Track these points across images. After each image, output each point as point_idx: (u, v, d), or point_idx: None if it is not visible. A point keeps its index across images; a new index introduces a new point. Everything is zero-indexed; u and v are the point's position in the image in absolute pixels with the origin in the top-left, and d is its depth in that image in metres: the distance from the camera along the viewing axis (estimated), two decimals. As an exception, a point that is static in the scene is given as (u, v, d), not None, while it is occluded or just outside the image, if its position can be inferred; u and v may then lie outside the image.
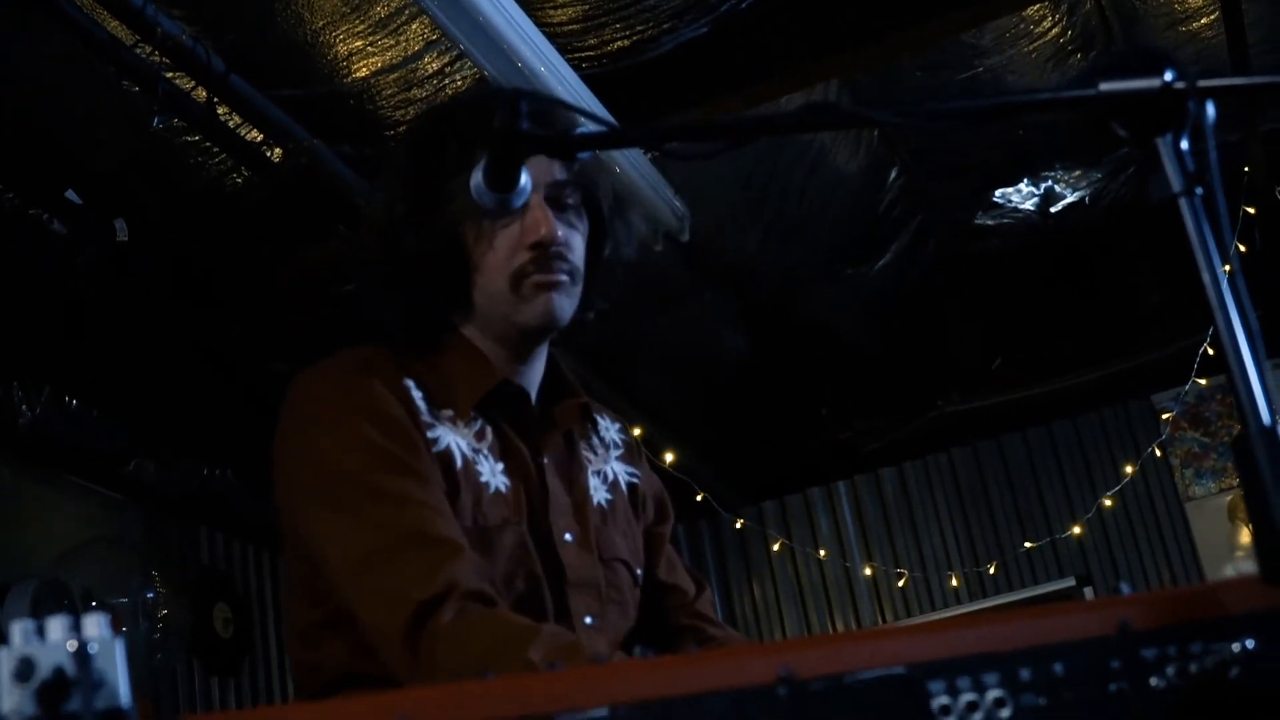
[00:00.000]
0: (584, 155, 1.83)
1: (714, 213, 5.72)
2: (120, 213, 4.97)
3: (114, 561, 5.71)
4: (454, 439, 2.14)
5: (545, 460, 2.23)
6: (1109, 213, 6.47)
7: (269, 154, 4.88)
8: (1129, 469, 7.41)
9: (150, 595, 5.66)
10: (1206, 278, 1.36)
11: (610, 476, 2.35)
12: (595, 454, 2.36)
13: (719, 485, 7.84)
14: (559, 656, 1.78)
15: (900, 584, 7.82)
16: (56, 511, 5.86)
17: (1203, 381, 7.04)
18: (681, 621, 2.37)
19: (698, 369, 7.19)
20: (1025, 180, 6.31)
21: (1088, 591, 7.24)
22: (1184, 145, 1.40)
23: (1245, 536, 7.34)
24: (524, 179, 1.84)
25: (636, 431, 6.53)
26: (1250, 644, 1.28)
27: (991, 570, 7.66)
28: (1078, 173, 6.29)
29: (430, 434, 2.12)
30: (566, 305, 2.20)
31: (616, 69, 4.79)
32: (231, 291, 5.60)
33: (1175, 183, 1.38)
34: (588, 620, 2.17)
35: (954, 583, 7.73)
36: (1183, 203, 1.38)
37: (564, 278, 2.18)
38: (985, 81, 5.33)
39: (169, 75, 4.31)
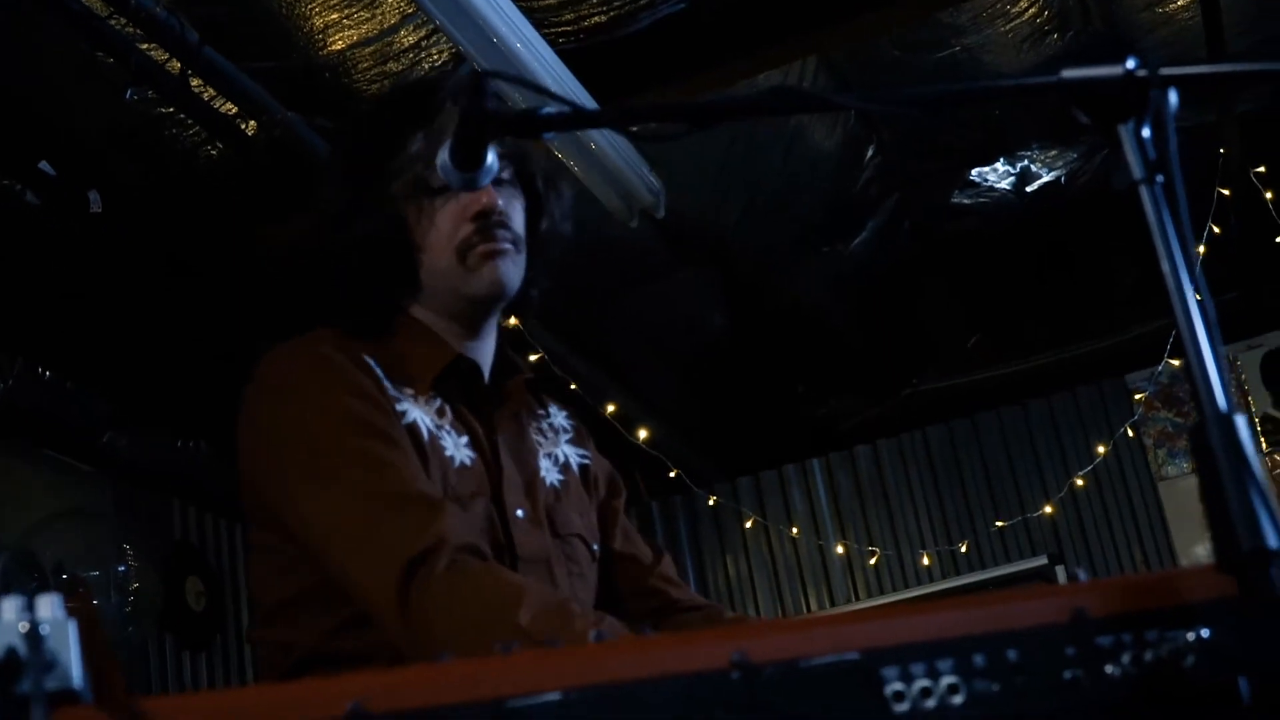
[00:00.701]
0: (549, 135, 1.83)
1: (691, 190, 5.72)
2: (94, 184, 4.95)
3: (86, 534, 5.70)
4: (419, 413, 2.17)
5: (499, 439, 2.27)
6: (1085, 192, 6.48)
7: (244, 126, 4.86)
8: (1101, 449, 7.42)
9: (122, 569, 5.64)
10: (1166, 266, 1.36)
11: (561, 459, 2.39)
12: (545, 438, 2.40)
13: (695, 461, 7.84)
14: (547, 618, 1.84)
15: (871, 562, 7.83)
16: (28, 484, 5.83)
17: (1175, 362, 7.06)
18: (643, 587, 2.41)
19: (675, 346, 7.20)
20: (1001, 160, 6.32)
21: (1059, 570, 7.25)
22: (1146, 133, 1.39)
23: (1219, 517, 7.36)
24: (490, 157, 1.84)
25: (610, 408, 6.60)
26: (1205, 633, 1.28)
27: (964, 549, 7.67)
28: (1054, 153, 6.30)
29: (398, 406, 2.15)
30: (513, 272, 2.27)
31: (593, 45, 4.79)
32: (206, 263, 5.58)
33: (1136, 170, 1.38)
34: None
35: (925, 561, 7.74)
36: (1143, 190, 1.38)
37: (508, 245, 2.25)
38: (962, 61, 5.33)
39: (143, 47, 4.28)
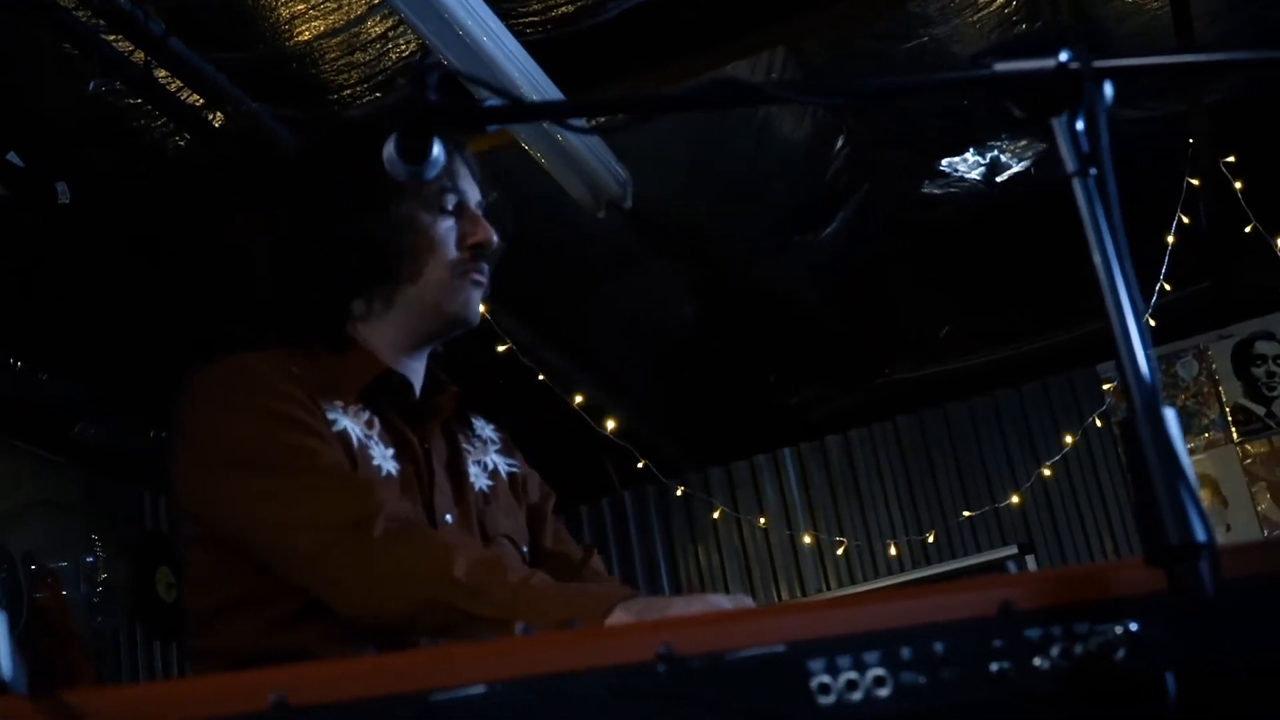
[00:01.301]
0: (492, 127, 1.83)
1: (660, 181, 5.71)
2: (63, 175, 4.93)
3: (54, 525, 5.70)
4: (348, 423, 2.22)
5: (430, 448, 2.34)
6: (1055, 183, 6.45)
7: (211, 118, 4.85)
8: (1068, 439, 7.44)
9: (90, 559, 5.64)
10: (1097, 258, 1.35)
11: (490, 466, 2.46)
12: (474, 447, 2.46)
13: (667, 452, 7.85)
14: (480, 569, 1.93)
15: (839, 552, 7.84)
16: (2, 475, 5.82)
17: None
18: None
19: (647, 336, 7.19)
20: (971, 150, 6.30)
21: (1030, 560, 7.28)
22: (1080, 126, 1.40)
23: (1188, 506, 7.37)
24: (436, 150, 1.83)
25: (579, 399, 6.60)
26: (1134, 627, 1.29)
27: (932, 538, 7.69)
28: (1023, 142, 6.28)
29: (328, 415, 2.20)
30: (480, 304, 2.38)
31: (560, 36, 4.76)
32: (176, 254, 5.56)
33: (1070, 163, 1.38)
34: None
35: (892, 551, 7.75)
36: (1076, 183, 1.38)
37: (486, 278, 2.36)
38: (931, 51, 5.31)
39: (108, 38, 4.27)
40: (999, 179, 6.51)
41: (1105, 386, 7.44)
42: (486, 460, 2.45)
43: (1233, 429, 7.39)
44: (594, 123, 3.80)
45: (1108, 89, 1.41)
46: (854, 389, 7.91)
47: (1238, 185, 6.15)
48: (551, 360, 6.57)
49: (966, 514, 7.64)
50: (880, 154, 6.20)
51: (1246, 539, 7.07)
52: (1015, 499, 7.53)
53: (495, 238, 2.34)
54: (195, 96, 4.70)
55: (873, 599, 1.29)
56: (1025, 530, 7.58)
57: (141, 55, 4.30)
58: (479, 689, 1.18)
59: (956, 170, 6.45)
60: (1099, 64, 1.37)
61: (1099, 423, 7.46)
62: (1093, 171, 1.40)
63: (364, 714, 1.17)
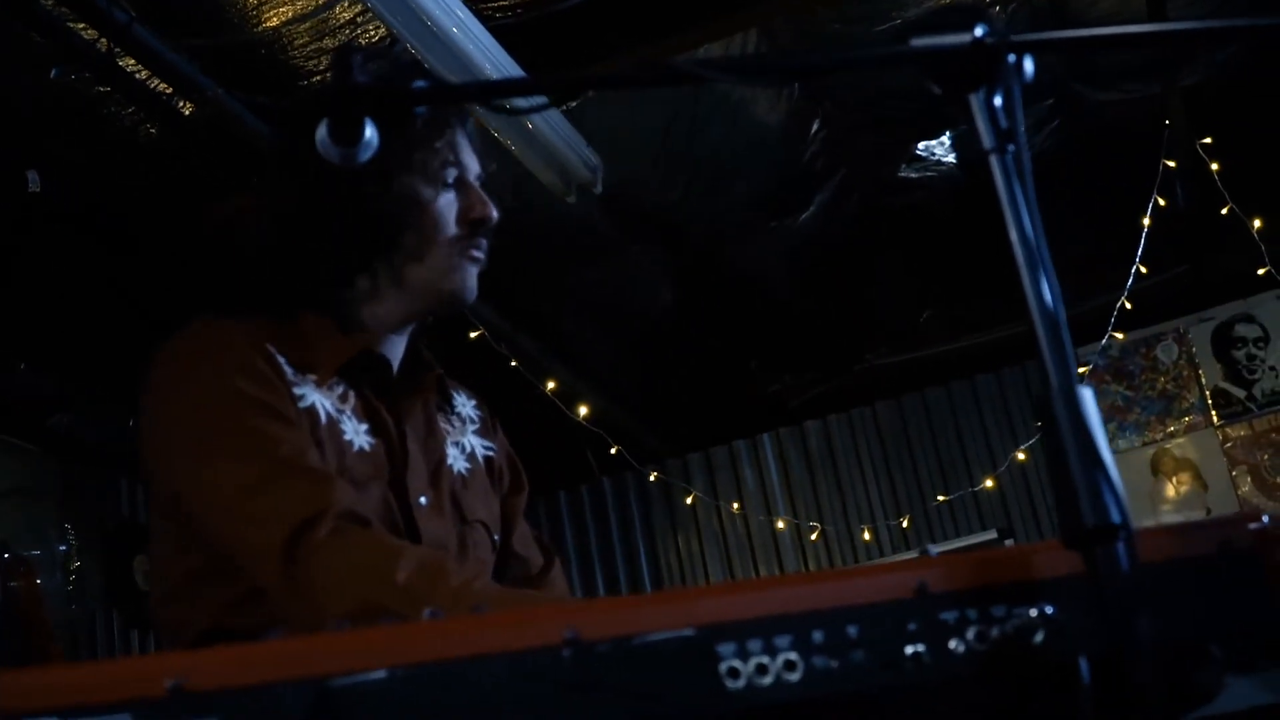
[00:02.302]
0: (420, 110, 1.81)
1: (632, 164, 5.69)
2: (34, 164, 4.91)
3: (27, 514, 5.68)
4: (318, 397, 2.20)
5: (406, 428, 2.31)
6: (1033, 165, 6.44)
7: (180, 106, 4.82)
8: (1040, 423, 7.42)
9: (63, 548, 5.62)
10: (1015, 235, 1.34)
11: (468, 449, 2.44)
12: (453, 427, 2.44)
13: (646, 438, 7.84)
14: (423, 575, 1.91)
15: (813, 537, 7.84)
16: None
17: (1120, 336, 7.06)
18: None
19: (625, 321, 7.18)
20: (947, 133, 6.28)
21: (1009, 544, 7.27)
22: (998, 101, 1.38)
23: (1170, 490, 7.38)
24: (369, 132, 1.82)
25: (551, 385, 6.58)
26: (1049, 610, 1.28)
27: (909, 523, 7.69)
28: (1000, 125, 6.26)
29: (296, 390, 2.17)
30: (476, 282, 2.34)
31: (528, 20, 4.74)
32: (151, 242, 5.54)
33: (986, 139, 1.36)
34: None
35: (866, 537, 7.75)
36: (993, 160, 1.36)
37: (484, 257, 2.33)
38: (904, 33, 5.27)
39: (72, 25, 4.24)
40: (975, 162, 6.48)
41: (1081, 370, 7.42)
42: (464, 442, 2.44)
43: (1213, 412, 7.39)
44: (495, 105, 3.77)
45: (1027, 64, 1.38)
46: (833, 375, 7.90)
47: (1214, 167, 6.13)
48: (527, 347, 6.55)
49: (943, 498, 7.64)
50: (856, 137, 6.17)
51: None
52: (989, 483, 7.53)
53: (495, 213, 2.31)
54: (163, 85, 4.67)
55: (787, 581, 1.28)
56: (1005, 514, 7.57)
57: (105, 42, 4.27)
58: (380, 674, 1.17)
59: (933, 154, 6.43)
60: (1015, 38, 1.35)
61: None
62: (1010, 148, 1.37)
63: (261, 699, 1.15)
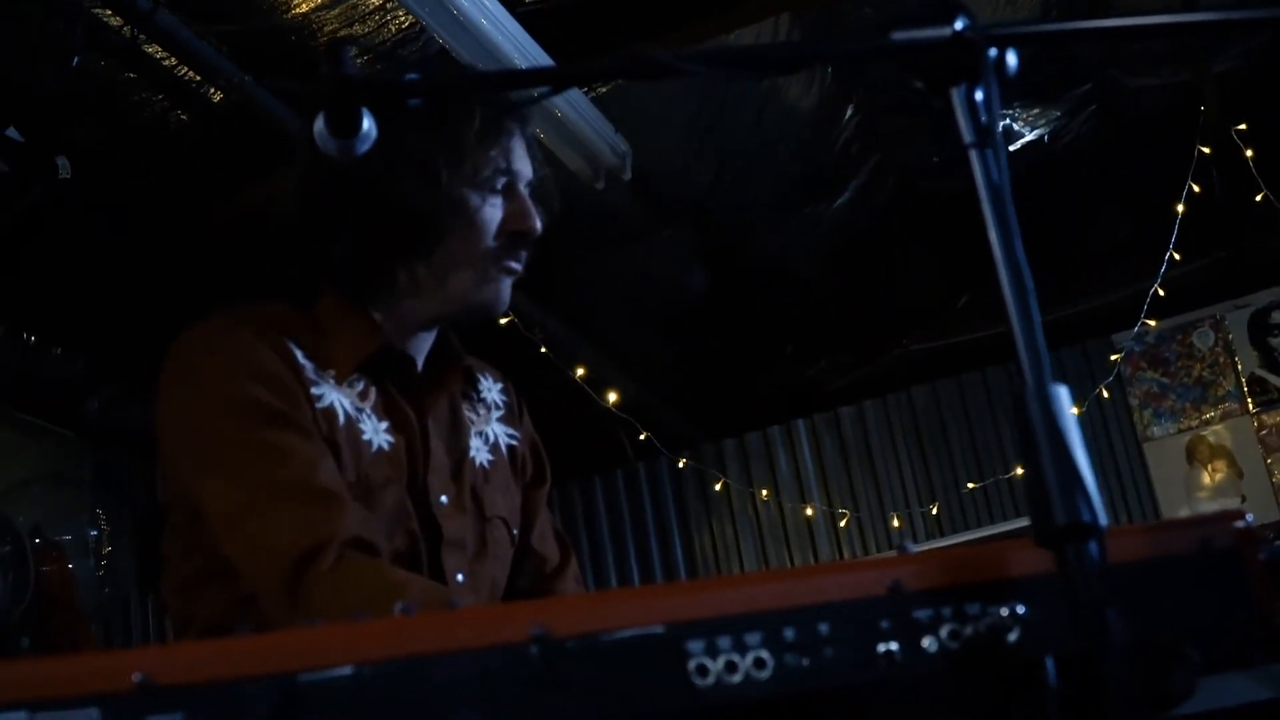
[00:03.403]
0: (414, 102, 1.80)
1: (663, 149, 5.68)
2: (65, 151, 4.94)
3: (59, 498, 5.72)
4: (337, 396, 2.17)
5: (429, 422, 2.27)
6: (1068, 151, 6.42)
7: (210, 93, 4.84)
8: (1073, 410, 7.38)
9: (94, 533, 5.66)
10: (994, 233, 1.33)
11: (491, 438, 2.40)
12: (478, 415, 2.41)
13: (680, 423, 7.84)
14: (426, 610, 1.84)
15: (842, 524, 7.82)
16: (7, 448, 5.86)
17: (1152, 323, 7.01)
18: (536, 587, 2.42)
19: (658, 307, 7.17)
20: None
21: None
22: (980, 96, 1.37)
23: (1206, 478, 7.33)
24: (366, 124, 1.82)
25: (580, 371, 6.58)
26: (1021, 609, 1.27)
27: (938, 510, 7.66)
28: (1036, 111, 6.23)
29: (314, 390, 2.14)
30: (509, 295, 2.29)
31: (556, 5, 4.73)
32: (180, 228, 5.57)
33: (966, 134, 1.35)
34: (459, 578, 2.23)
35: (896, 524, 7.73)
36: (973, 154, 1.35)
37: (521, 269, 2.27)
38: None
39: (96, 12, 4.26)
40: (1012, 148, 6.45)
41: (1113, 358, 7.38)
42: (488, 431, 2.40)
43: (1249, 399, 7.33)
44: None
45: (1010, 58, 1.37)
46: (872, 359, 7.87)
47: (1249, 153, 6.08)
48: (559, 332, 6.55)
49: (972, 485, 7.60)
50: (890, 122, 6.14)
51: (1262, 511, 7.03)
52: (1019, 470, 7.48)
53: (539, 225, 2.24)
54: (190, 71, 4.69)
55: (758, 578, 1.27)
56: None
57: (129, 29, 4.29)
58: (347, 670, 1.17)
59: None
60: (995, 31, 1.33)
61: (1106, 393, 7.40)
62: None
63: (229, 694, 1.15)
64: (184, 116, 5.02)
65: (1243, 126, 6.10)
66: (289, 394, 2.11)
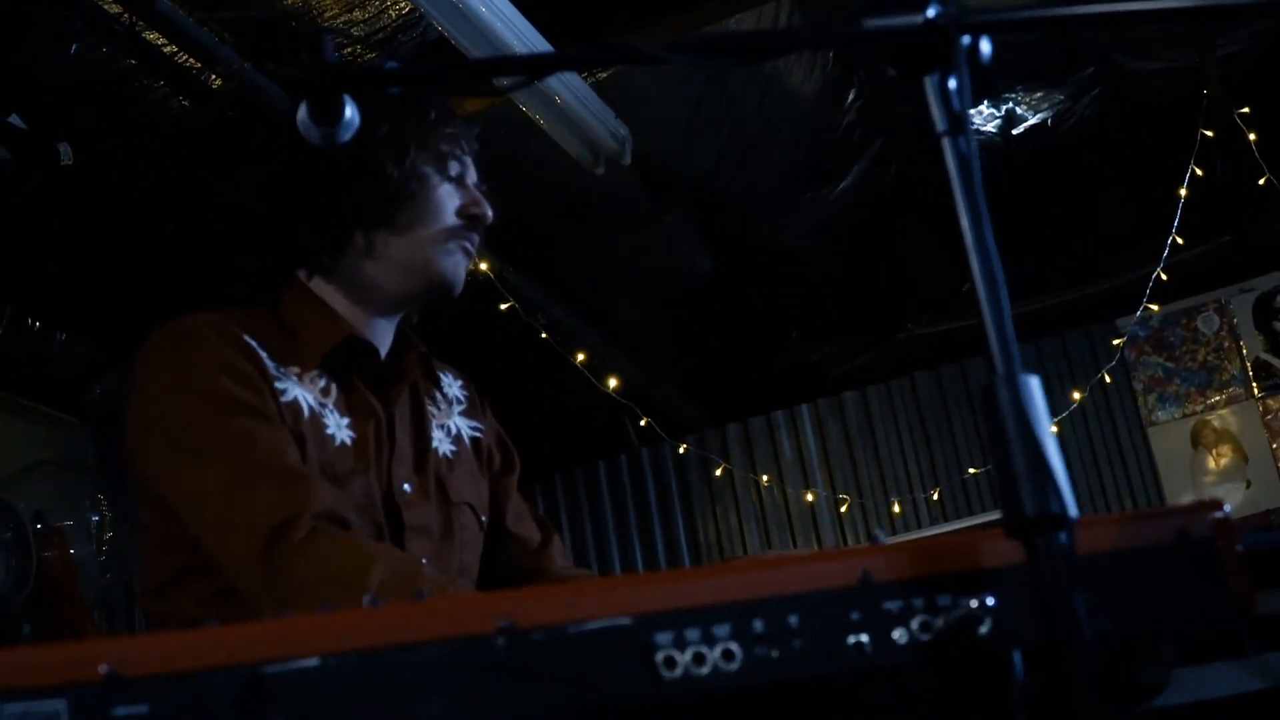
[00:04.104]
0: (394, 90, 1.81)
1: (665, 134, 5.68)
2: (68, 138, 4.94)
3: (60, 484, 5.73)
4: (300, 392, 2.23)
5: (395, 413, 2.34)
6: (1072, 135, 6.40)
7: (211, 80, 4.84)
8: (1075, 395, 7.39)
9: (95, 519, 5.67)
10: (965, 222, 1.32)
11: (454, 430, 2.47)
12: (439, 409, 2.47)
13: (684, 408, 7.83)
14: (397, 581, 1.92)
15: (843, 509, 7.82)
16: (10, 434, 5.87)
17: (1154, 307, 7.00)
18: (524, 566, 2.49)
19: (662, 292, 7.17)
20: (986, 102, 6.23)
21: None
22: (953, 84, 1.36)
23: (1211, 462, 7.31)
24: (349, 112, 1.82)
25: (581, 356, 6.58)
26: (990, 601, 1.27)
27: (939, 496, 7.65)
28: (1039, 94, 6.21)
29: (279, 384, 2.20)
30: (463, 277, 2.39)
31: (554, -9, 4.73)
32: (183, 214, 5.58)
33: (939, 122, 1.35)
34: (424, 562, 2.25)
35: (896, 509, 7.72)
36: (946, 143, 1.34)
37: (474, 254, 2.40)
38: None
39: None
40: (1015, 132, 6.43)
41: (1115, 342, 7.36)
42: (450, 424, 2.46)
43: (1254, 384, 7.31)
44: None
45: (984, 45, 1.36)
46: (877, 344, 7.85)
47: (1252, 137, 6.06)
48: (562, 317, 6.55)
49: (974, 471, 7.59)
50: (893, 107, 6.13)
51: (1268, 494, 7.03)
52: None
53: (490, 213, 2.35)
54: (190, 59, 4.69)
55: (727, 569, 1.27)
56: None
57: (129, 17, 4.29)
58: (312, 661, 1.17)
59: (972, 123, 6.37)
60: (968, 19, 1.33)
61: (1109, 378, 7.39)
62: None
63: (195, 685, 1.16)
64: (185, 102, 5.02)
65: (1246, 110, 6.08)
66: (255, 387, 2.16)
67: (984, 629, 1.26)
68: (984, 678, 1.27)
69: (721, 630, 1.23)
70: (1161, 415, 7.42)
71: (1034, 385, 1.28)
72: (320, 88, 1.76)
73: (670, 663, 1.21)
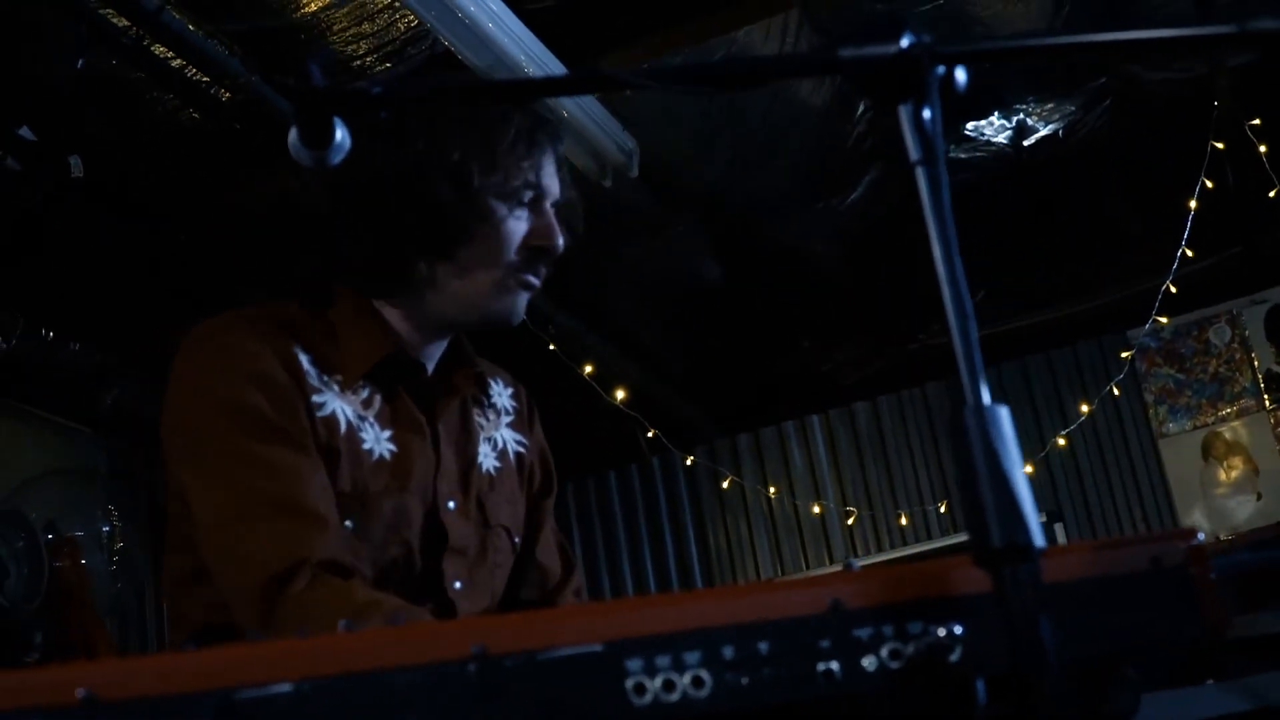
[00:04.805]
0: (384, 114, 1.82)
1: (672, 143, 5.68)
2: (75, 149, 4.97)
3: (72, 493, 5.75)
4: (340, 405, 2.18)
5: (440, 428, 2.29)
6: (1084, 146, 6.39)
7: (219, 92, 4.86)
8: (1084, 407, 7.38)
9: (106, 529, 5.69)
10: (937, 251, 1.33)
11: (500, 444, 2.42)
12: (487, 420, 2.42)
13: (695, 418, 7.84)
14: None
15: (849, 521, 7.81)
16: (21, 443, 5.90)
17: (1163, 319, 6.98)
18: (537, 601, 2.43)
19: (673, 301, 7.17)
20: (997, 113, 6.23)
21: (1058, 529, 7.21)
22: (927, 113, 1.37)
23: (1222, 475, 7.29)
24: (339, 135, 1.83)
25: (588, 368, 6.59)
26: (966, 628, 1.27)
27: (943, 508, 7.64)
28: (1050, 105, 6.21)
29: (316, 398, 2.16)
30: (524, 308, 2.30)
31: (562, 4, 4.74)
32: (196, 224, 5.60)
33: (913, 152, 1.35)
34: (457, 585, 2.25)
35: (903, 521, 7.72)
36: (919, 172, 1.35)
37: (539, 283, 2.28)
38: (949, 14, 5.24)
39: (103, 12, 4.29)
40: (1026, 142, 6.43)
41: (1123, 355, 7.35)
42: (497, 437, 2.42)
43: (1265, 396, 7.29)
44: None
45: (959, 74, 1.37)
46: (888, 354, 7.85)
47: (1262, 149, 6.05)
48: (572, 327, 6.56)
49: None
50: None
51: (1278, 509, 7.00)
52: (1030, 467, 7.47)
53: (561, 242, 2.26)
54: (198, 72, 4.72)
55: (698, 596, 1.28)
56: (1055, 498, 7.51)
57: (136, 31, 4.31)
58: (285, 687, 1.18)
59: (982, 134, 6.38)
60: (940, 49, 1.34)
61: (1117, 391, 7.38)
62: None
63: (170, 709, 1.17)
64: (196, 115, 5.04)
65: (1257, 122, 6.07)
66: (287, 403, 2.12)
67: (954, 657, 1.27)
68: (954, 706, 1.28)
69: (692, 657, 1.24)
70: (1172, 427, 7.40)
71: (1003, 415, 1.29)
72: (309, 111, 1.77)
73: (640, 689, 1.22)
